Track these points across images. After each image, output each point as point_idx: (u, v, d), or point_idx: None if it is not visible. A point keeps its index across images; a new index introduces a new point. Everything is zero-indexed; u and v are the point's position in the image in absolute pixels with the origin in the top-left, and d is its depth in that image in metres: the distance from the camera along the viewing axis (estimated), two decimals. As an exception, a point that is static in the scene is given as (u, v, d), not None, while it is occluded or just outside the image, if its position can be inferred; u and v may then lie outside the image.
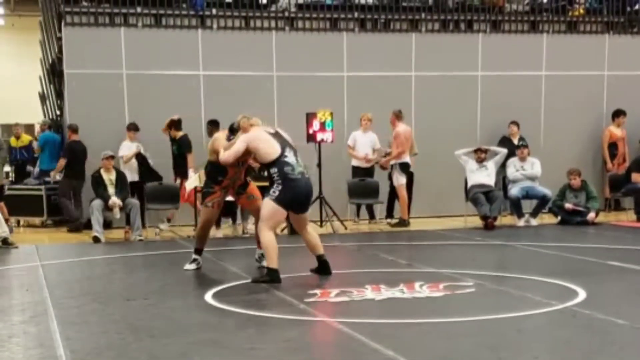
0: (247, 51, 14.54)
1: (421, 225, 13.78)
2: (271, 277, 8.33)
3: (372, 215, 14.56)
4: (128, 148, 13.73)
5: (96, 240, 12.10)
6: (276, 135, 8.62)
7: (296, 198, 8.48)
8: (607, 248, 10.76)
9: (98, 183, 12.50)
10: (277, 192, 8.40)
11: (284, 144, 8.53)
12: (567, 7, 16.00)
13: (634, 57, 16.06)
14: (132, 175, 13.52)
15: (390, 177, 14.15)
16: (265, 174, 8.90)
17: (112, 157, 12.74)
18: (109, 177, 12.53)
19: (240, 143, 8.56)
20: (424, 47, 15.25)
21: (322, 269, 8.76)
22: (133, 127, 13.78)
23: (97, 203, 12.32)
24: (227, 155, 8.62)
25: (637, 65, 16.02)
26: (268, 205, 8.47)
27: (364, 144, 14.27)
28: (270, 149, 8.45)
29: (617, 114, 15.62)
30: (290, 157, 8.44)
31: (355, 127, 14.38)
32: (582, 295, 7.38)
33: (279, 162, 8.41)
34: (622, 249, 10.77)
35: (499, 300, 7.54)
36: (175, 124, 13.49)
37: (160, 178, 13.51)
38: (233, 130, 8.88)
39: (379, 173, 14.32)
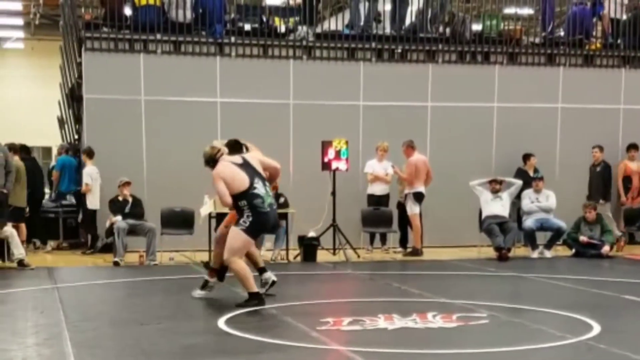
0: (264, 79, 14.63)
1: (434, 255, 13.75)
2: (256, 300, 8.52)
3: (384, 241, 14.54)
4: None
5: (116, 264, 12.19)
6: (244, 165, 8.58)
7: (264, 229, 8.80)
8: (621, 282, 10.72)
9: (115, 205, 12.79)
10: (247, 224, 8.46)
11: (252, 174, 8.52)
12: (584, 41, 16.03)
13: (650, 91, 16.06)
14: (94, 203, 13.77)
15: (398, 207, 14.17)
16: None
17: (129, 183, 12.88)
18: (126, 200, 12.78)
19: (217, 182, 8.49)
20: (441, 77, 15.30)
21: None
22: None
23: (121, 226, 12.42)
24: (222, 199, 8.59)
25: (653, 99, 16.03)
26: (239, 236, 8.52)
27: (380, 172, 14.30)
28: (237, 182, 8.44)
29: (630, 147, 15.60)
30: (259, 188, 8.47)
31: (370, 155, 14.41)
32: (596, 329, 7.34)
33: (247, 194, 8.42)
34: (637, 283, 10.72)
35: (513, 332, 7.52)
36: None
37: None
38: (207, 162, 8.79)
39: (394, 202, 14.33)
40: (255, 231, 8.61)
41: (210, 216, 12.53)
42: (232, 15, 15.10)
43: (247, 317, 8.02)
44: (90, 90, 14.13)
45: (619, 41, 16.26)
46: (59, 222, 14.59)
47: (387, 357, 6.35)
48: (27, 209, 13.62)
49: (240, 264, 8.59)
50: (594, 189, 15.07)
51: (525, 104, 15.49)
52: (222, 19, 14.69)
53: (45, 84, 26.64)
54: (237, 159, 8.66)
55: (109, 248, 13.02)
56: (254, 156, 8.80)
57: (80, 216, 14.32)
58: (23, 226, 12.82)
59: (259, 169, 8.65)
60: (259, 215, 8.45)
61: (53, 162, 18.53)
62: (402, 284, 10.48)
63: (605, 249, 13.37)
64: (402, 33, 15.33)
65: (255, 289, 8.56)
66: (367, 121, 14.97)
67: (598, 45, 16.19)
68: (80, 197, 14.06)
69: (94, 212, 13.81)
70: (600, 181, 15.13)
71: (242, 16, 15.03)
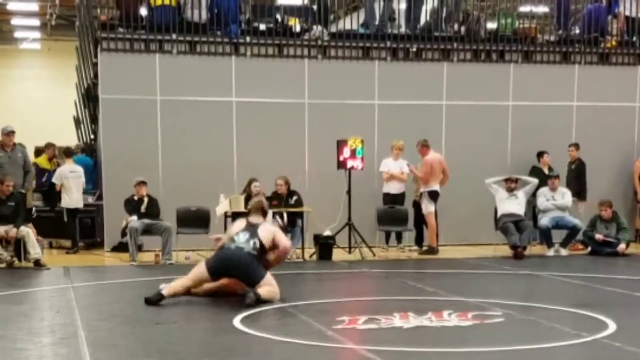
0: (279, 79, 14.66)
1: (450, 253, 13.75)
2: (152, 297, 8.75)
3: (399, 239, 14.52)
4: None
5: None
6: (249, 226, 9.10)
7: (218, 264, 8.90)
8: (637, 280, 10.66)
9: (131, 205, 12.81)
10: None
11: (244, 230, 9.04)
12: (599, 39, 15.98)
13: (666, 88, 15.99)
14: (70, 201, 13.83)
15: (414, 206, 14.17)
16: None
17: (144, 182, 12.92)
18: (141, 200, 12.79)
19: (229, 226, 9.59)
20: (456, 76, 15.28)
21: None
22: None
23: (135, 226, 12.45)
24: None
25: (669, 97, 15.96)
26: (199, 264, 9.17)
27: (395, 170, 14.30)
28: (232, 231, 9.21)
29: (646, 145, 15.54)
30: (239, 237, 8.97)
31: (385, 154, 14.42)
32: (612, 327, 7.33)
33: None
34: (653, 282, 10.68)
35: (528, 330, 7.51)
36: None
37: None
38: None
39: (410, 201, 14.32)
40: (211, 265, 8.91)
41: (225, 215, 12.58)
42: (247, 15, 15.14)
43: (263, 316, 8.05)
44: (106, 91, 14.20)
45: (634, 39, 16.19)
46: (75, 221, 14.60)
47: (402, 356, 6.35)
48: (34, 210, 13.71)
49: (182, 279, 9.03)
50: (571, 188, 14.94)
51: (540, 102, 15.44)
52: (237, 18, 14.73)
53: (62, 84, 26.78)
54: (254, 220, 9.20)
55: (124, 247, 13.08)
56: (269, 228, 9.25)
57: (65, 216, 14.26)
58: (31, 226, 12.84)
59: (266, 237, 9.01)
60: (221, 251, 9.04)
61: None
62: (417, 283, 10.48)
63: (622, 247, 13.32)
64: (417, 32, 15.32)
65: (164, 291, 8.77)
66: (382, 120, 14.97)
67: (613, 43, 16.14)
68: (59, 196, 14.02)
69: (74, 210, 13.86)
70: (574, 179, 15.02)
71: (257, 16, 15.07)
